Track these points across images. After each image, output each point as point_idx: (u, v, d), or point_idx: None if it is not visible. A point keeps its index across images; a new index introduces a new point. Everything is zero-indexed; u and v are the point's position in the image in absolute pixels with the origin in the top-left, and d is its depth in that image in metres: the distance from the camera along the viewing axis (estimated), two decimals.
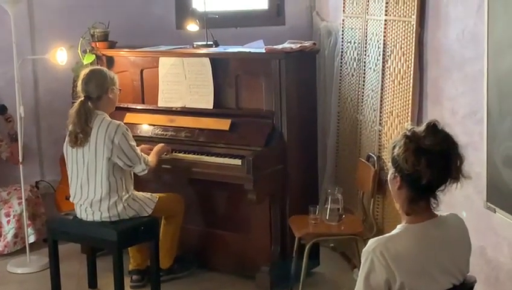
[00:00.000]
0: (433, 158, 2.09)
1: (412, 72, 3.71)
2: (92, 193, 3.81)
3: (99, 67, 4.08)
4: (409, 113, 3.73)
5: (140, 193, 3.97)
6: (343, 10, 4.54)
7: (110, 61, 4.67)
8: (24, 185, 4.61)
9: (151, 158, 3.98)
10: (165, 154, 4.14)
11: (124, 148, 3.77)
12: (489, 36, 2.95)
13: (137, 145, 3.91)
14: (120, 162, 3.78)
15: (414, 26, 3.67)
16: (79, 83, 3.88)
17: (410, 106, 3.72)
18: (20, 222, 4.69)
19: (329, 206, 3.93)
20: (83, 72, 3.93)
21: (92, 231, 3.86)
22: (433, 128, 2.14)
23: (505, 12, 2.85)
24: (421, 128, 2.16)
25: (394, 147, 2.17)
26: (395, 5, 3.87)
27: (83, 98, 3.82)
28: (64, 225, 4.00)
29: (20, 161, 4.58)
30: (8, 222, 4.73)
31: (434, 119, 2.20)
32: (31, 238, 4.69)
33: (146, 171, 3.88)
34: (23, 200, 4.60)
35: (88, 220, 3.85)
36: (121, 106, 4.43)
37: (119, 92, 4.02)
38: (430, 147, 2.10)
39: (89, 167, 3.79)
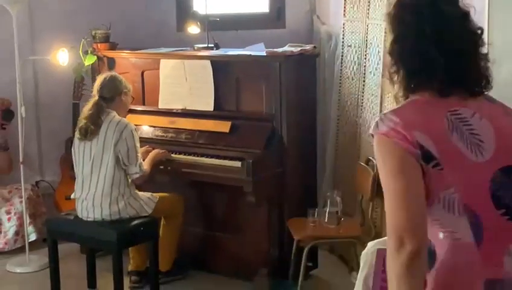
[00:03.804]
0: None
1: None
2: (94, 186, 3.84)
3: (116, 73, 4.20)
4: None
5: (141, 192, 4.00)
6: (344, 14, 4.56)
7: (111, 63, 4.69)
8: (25, 184, 4.63)
9: (146, 165, 4.00)
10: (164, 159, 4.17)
11: (128, 144, 3.85)
12: (488, 45, 2.96)
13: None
14: (119, 156, 3.83)
15: None
16: (95, 85, 4.03)
17: None
18: (21, 220, 4.69)
19: (328, 209, 3.94)
20: (101, 76, 4.10)
21: (91, 231, 3.88)
22: None
23: (504, 21, 2.87)
24: None
25: None
26: None
27: (97, 98, 3.96)
28: (64, 225, 4.02)
29: (21, 160, 4.59)
30: (9, 219, 4.75)
31: None
32: (32, 237, 4.71)
33: (138, 175, 3.90)
34: (24, 199, 4.61)
35: (89, 218, 3.87)
36: None
37: (132, 100, 4.17)
38: None
39: (95, 160, 3.85)
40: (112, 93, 3.99)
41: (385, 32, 3.67)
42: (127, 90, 4.08)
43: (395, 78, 1.82)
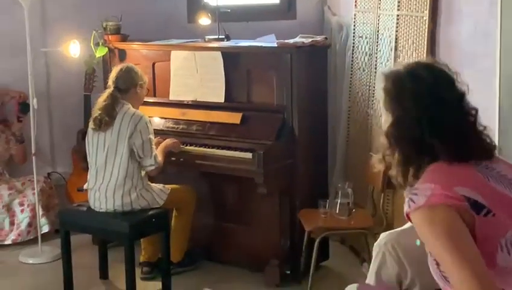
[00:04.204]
0: None
1: None
2: (108, 177, 3.86)
3: (133, 65, 4.19)
4: None
5: (153, 184, 4.02)
6: (355, 5, 4.55)
7: (122, 55, 4.69)
8: (37, 176, 4.65)
9: (159, 156, 4.01)
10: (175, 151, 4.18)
11: (143, 137, 3.86)
12: (502, 33, 2.95)
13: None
14: (134, 149, 3.83)
15: (426, 21, 3.67)
16: (111, 76, 4.03)
17: None
18: (34, 211, 4.73)
19: (339, 201, 3.94)
20: (117, 66, 4.11)
21: (103, 222, 3.90)
22: None
23: None
24: None
25: None
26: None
27: (112, 89, 3.96)
28: (76, 217, 4.04)
29: (33, 152, 4.61)
30: (22, 211, 4.78)
31: None
32: (45, 228, 4.74)
33: (153, 168, 3.91)
34: (36, 190, 4.64)
35: (101, 209, 3.89)
36: None
37: (147, 92, 4.19)
38: None
39: (109, 151, 3.86)
40: (127, 85, 4.00)
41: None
42: (142, 83, 4.08)
43: (390, 159, 1.86)
